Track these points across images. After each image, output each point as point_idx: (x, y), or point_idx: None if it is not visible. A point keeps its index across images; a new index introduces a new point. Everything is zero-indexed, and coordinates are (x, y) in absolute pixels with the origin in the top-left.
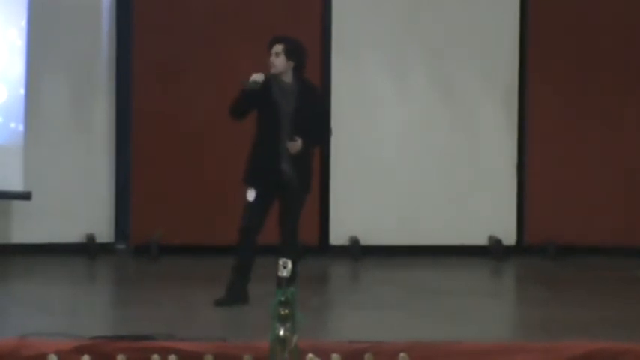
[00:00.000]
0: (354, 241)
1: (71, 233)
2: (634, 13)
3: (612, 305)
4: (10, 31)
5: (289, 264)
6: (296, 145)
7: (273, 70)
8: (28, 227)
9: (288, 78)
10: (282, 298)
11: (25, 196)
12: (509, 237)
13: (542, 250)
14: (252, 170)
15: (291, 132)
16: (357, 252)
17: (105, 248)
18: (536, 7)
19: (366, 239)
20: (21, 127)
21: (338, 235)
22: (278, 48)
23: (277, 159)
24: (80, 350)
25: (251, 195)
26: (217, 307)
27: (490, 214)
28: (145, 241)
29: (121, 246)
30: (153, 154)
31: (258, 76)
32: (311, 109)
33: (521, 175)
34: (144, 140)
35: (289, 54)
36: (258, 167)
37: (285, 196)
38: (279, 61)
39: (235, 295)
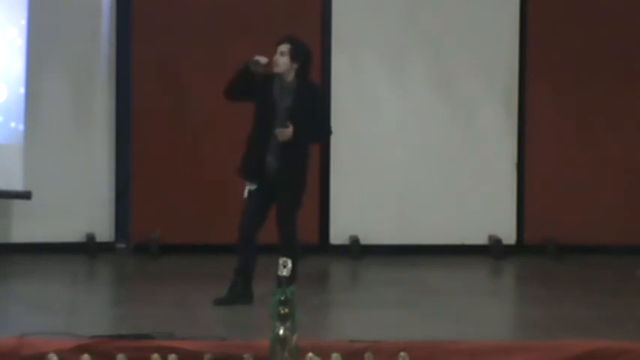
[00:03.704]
0: (354, 241)
1: (71, 233)
2: (634, 13)
3: (612, 304)
4: (10, 30)
5: (289, 263)
6: (286, 132)
7: (275, 70)
8: (28, 227)
9: (289, 77)
10: (282, 298)
11: (25, 196)
12: (509, 236)
13: (542, 249)
14: (242, 162)
15: (284, 122)
16: (357, 251)
17: (105, 247)
18: (536, 7)
19: (366, 239)
20: (21, 127)
21: (338, 235)
22: (284, 47)
23: (264, 151)
24: (80, 349)
25: (246, 191)
26: (217, 306)
27: (490, 213)
28: (145, 240)
29: (121, 245)
30: (153, 153)
31: (262, 58)
32: (308, 107)
33: (521, 175)
34: (144, 140)
35: (294, 56)
36: (247, 159)
37: (279, 195)
38: (282, 60)
39: (237, 295)
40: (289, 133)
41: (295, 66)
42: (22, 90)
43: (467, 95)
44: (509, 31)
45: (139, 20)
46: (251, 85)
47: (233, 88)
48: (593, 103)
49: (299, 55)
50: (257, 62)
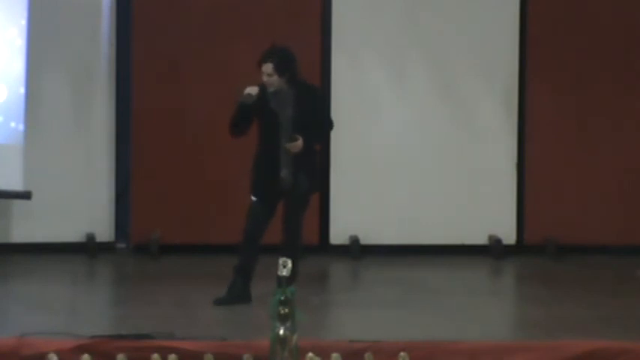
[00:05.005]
0: (354, 241)
1: (71, 232)
2: (634, 13)
3: (612, 304)
4: (10, 30)
5: (289, 263)
6: (297, 145)
7: (270, 90)
8: (28, 227)
9: (283, 87)
10: (282, 298)
11: (25, 196)
12: (509, 236)
13: (542, 249)
14: (255, 181)
15: (292, 135)
16: (357, 251)
17: (105, 247)
18: (536, 7)
19: (366, 238)
20: (21, 127)
21: (338, 235)
22: (268, 68)
23: (276, 167)
24: (80, 349)
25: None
26: (217, 306)
27: (490, 213)
28: (145, 240)
29: (121, 245)
30: (153, 153)
31: (252, 90)
32: (309, 110)
33: (521, 175)
34: (144, 140)
35: (280, 71)
36: (259, 178)
37: (289, 195)
38: (273, 80)
39: (236, 295)
40: (300, 144)
41: (285, 78)
42: (22, 90)
43: (467, 95)
44: (509, 31)
45: (139, 20)
46: (251, 114)
47: (238, 126)
48: (593, 103)
49: (283, 68)
50: (249, 96)
